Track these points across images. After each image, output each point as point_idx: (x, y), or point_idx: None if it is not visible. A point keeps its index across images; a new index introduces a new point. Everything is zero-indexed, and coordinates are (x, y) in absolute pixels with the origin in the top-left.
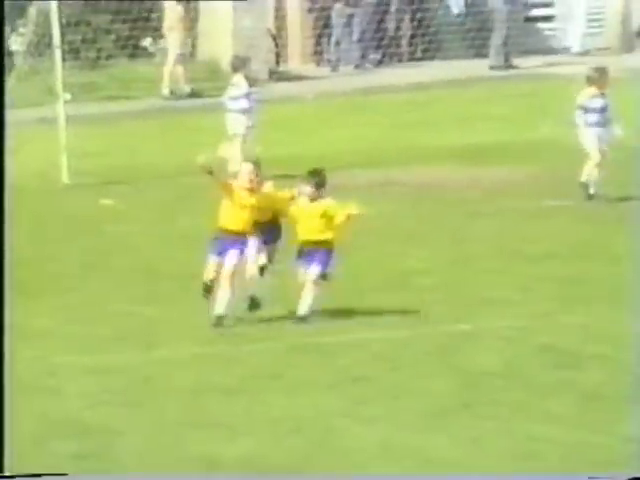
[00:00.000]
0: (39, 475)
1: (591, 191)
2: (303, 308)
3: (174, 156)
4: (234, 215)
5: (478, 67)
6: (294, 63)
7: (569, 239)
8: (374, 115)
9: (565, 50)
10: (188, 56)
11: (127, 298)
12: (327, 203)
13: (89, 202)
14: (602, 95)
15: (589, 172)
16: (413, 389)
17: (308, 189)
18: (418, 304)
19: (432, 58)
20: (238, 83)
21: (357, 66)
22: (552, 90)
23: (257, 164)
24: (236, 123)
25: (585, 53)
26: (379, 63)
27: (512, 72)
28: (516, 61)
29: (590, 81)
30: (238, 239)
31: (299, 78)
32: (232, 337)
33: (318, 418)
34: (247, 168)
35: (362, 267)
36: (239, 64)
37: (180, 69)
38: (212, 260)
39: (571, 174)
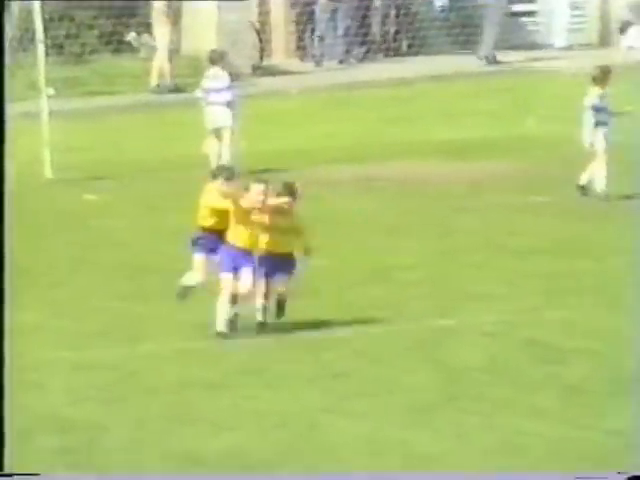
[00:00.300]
0: (37, 474)
1: (585, 185)
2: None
3: (158, 151)
4: (243, 233)
5: (462, 62)
6: (278, 58)
7: (554, 234)
8: (358, 110)
9: (549, 45)
10: (175, 51)
11: (112, 293)
12: (295, 223)
13: (73, 197)
14: (605, 94)
15: (591, 172)
16: (397, 384)
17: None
18: (402, 299)
19: (416, 53)
20: (216, 76)
21: (341, 61)
22: (536, 85)
23: (267, 183)
24: (222, 116)
25: (568, 48)
26: (363, 58)
27: (496, 67)
28: (500, 56)
29: (595, 81)
30: (249, 256)
31: (283, 73)
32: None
33: (302, 413)
34: (258, 188)
35: (346, 262)
36: (216, 57)
37: (168, 63)
38: (225, 276)
39: (556, 169)
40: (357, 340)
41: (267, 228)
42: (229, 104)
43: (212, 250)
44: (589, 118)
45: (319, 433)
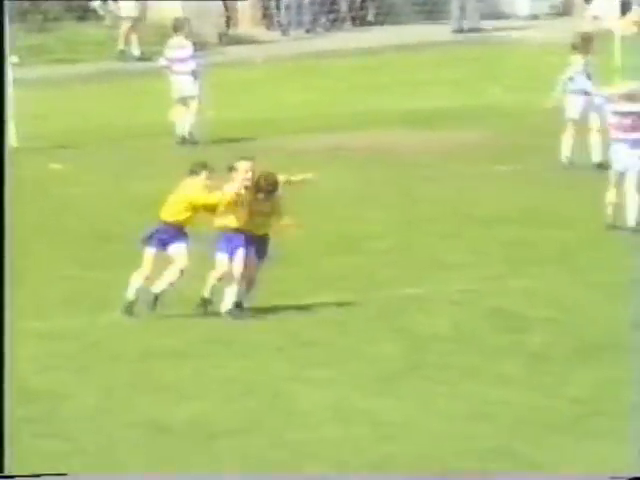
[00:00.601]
0: (38, 475)
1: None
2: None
3: (123, 119)
4: (237, 214)
5: (429, 32)
6: (244, 27)
7: (520, 203)
8: (325, 79)
9: (513, 14)
10: (140, 19)
11: (76, 262)
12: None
13: (38, 165)
14: (589, 62)
15: (592, 141)
16: (364, 353)
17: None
18: (370, 268)
19: (383, 22)
20: (180, 44)
21: (308, 30)
22: (502, 54)
23: (253, 160)
24: (187, 85)
25: (533, 17)
26: (330, 27)
27: (462, 37)
28: (465, 25)
29: (577, 48)
30: (242, 236)
31: (249, 42)
32: (182, 302)
33: (268, 381)
34: (246, 166)
35: (314, 231)
36: (179, 25)
37: (133, 31)
38: (221, 257)
39: (522, 138)
40: (325, 309)
41: (248, 209)
42: (194, 73)
43: (165, 245)
44: (577, 87)
45: (285, 401)
